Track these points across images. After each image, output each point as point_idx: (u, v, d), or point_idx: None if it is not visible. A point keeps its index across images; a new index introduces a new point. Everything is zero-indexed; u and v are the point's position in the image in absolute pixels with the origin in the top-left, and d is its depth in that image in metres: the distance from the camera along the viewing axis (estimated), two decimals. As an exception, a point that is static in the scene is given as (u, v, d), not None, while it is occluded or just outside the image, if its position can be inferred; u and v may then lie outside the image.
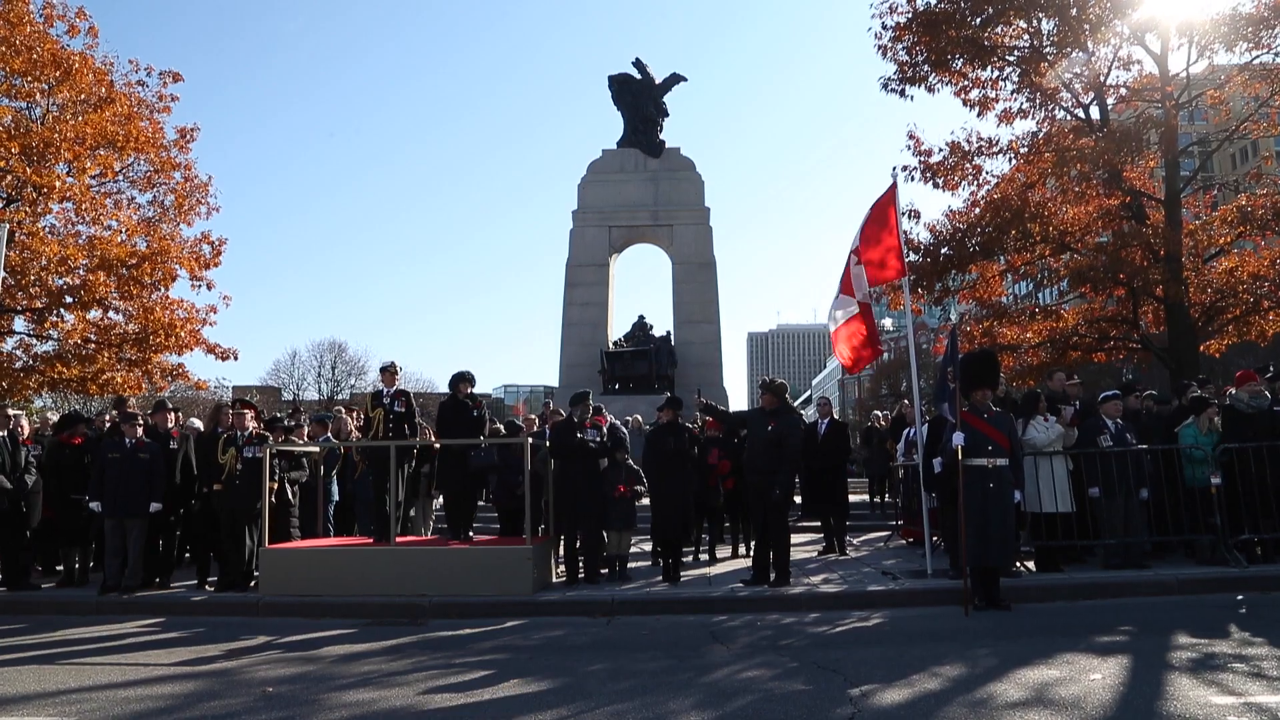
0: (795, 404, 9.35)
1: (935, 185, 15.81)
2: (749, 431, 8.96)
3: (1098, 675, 4.84)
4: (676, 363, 20.76)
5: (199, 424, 10.93)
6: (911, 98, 15.93)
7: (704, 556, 10.63)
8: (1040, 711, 4.22)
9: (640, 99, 23.30)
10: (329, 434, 11.31)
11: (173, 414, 10.12)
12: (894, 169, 10.18)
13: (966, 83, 15.84)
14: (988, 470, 7.16)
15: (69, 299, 15.17)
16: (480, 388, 11.29)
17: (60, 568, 9.87)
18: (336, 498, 10.74)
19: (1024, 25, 15.19)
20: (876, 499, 15.14)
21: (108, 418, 10.58)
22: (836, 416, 11.99)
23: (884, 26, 15.68)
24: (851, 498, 11.78)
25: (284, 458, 9.38)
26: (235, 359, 17.07)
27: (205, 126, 17.56)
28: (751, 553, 10.55)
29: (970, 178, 15.79)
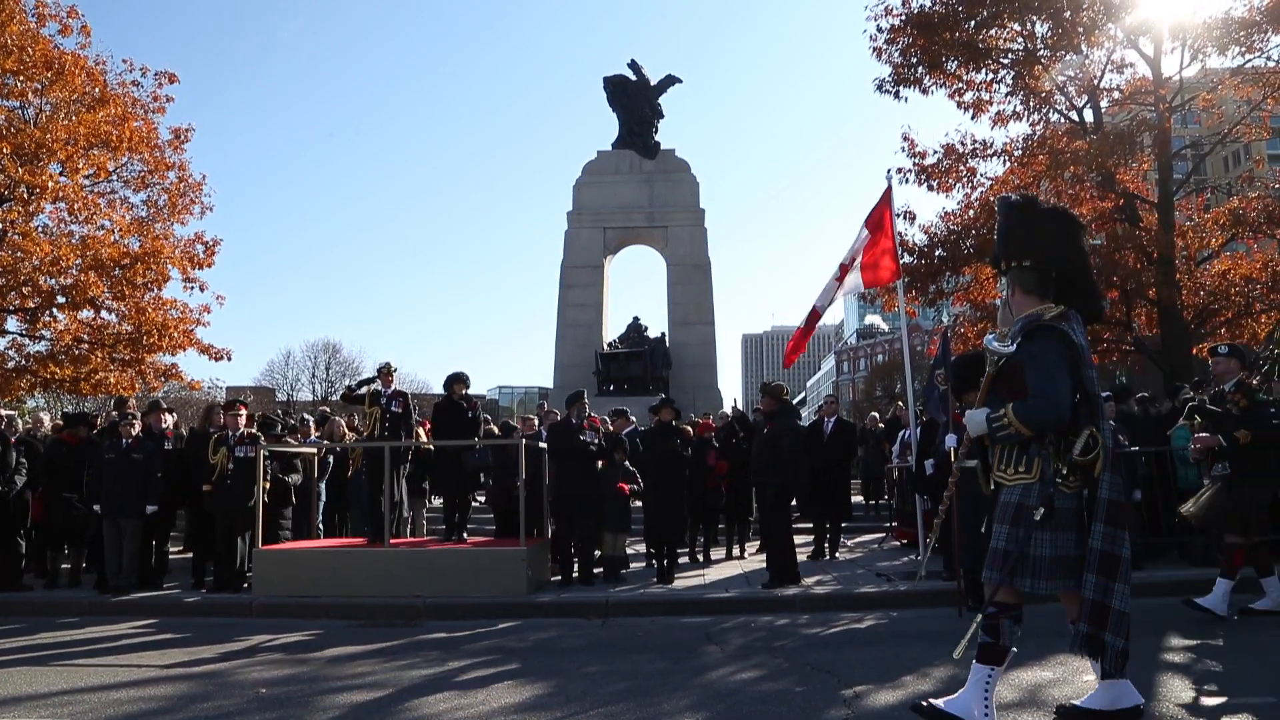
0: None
1: (930, 187, 15.86)
2: (756, 435, 9.05)
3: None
4: (671, 364, 20.74)
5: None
6: (906, 100, 16.00)
7: (699, 558, 10.64)
8: (1034, 712, 4.24)
9: (635, 100, 23.26)
10: (315, 435, 11.29)
11: (168, 414, 10.08)
12: (888, 171, 10.20)
13: (961, 85, 15.89)
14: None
15: (61, 299, 15.16)
16: (475, 388, 11.30)
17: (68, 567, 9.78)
18: (324, 499, 10.72)
19: (1018, 28, 15.24)
20: (871, 501, 15.16)
21: (101, 419, 10.52)
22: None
23: (879, 29, 15.73)
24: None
25: (276, 459, 9.35)
26: (229, 360, 17.08)
27: (204, 126, 17.70)
28: (745, 555, 10.58)
29: (964, 180, 15.83)
